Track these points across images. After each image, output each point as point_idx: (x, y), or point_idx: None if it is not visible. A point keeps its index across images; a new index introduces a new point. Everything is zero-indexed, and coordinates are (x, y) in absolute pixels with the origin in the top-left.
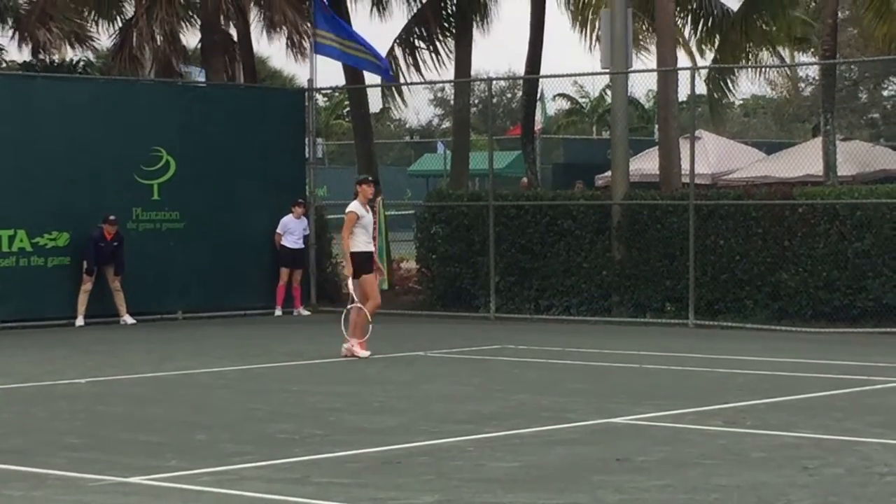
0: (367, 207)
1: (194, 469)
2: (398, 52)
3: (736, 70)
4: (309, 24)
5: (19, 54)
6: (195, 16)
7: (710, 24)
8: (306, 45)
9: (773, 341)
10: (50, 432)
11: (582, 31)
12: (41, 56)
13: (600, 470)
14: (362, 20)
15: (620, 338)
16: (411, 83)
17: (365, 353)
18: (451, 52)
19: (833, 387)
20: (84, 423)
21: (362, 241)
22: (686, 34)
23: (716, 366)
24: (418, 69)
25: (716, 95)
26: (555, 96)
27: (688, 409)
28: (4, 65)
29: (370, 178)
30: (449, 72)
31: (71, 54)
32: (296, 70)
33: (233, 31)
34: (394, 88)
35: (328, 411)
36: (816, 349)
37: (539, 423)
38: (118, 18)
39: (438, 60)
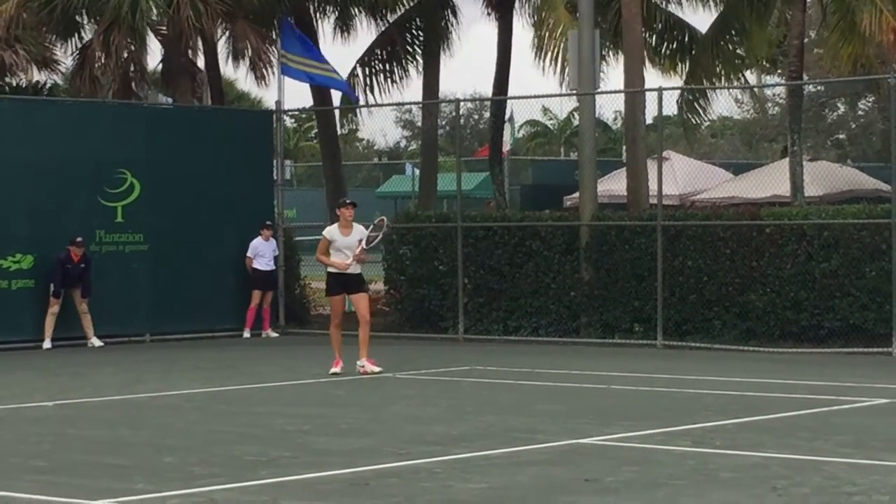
0: (350, 229)
1: (162, 491)
2: (359, 71)
3: (708, 91)
4: (274, 50)
5: None
6: (158, 38)
7: (674, 46)
8: (268, 71)
9: (741, 361)
10: (16, 455)
11: (541, 56)
12: (7, 78)
13: (569, 490)
14: (326, 42)
15: (589, 358)
16: (379, 104)
17: (335, 370)
18: (418, 72)
19: (801, 407)
20: (51, 446)
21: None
22: (653, 55)
23: (684, 386)
24: (373, 90)
25: (690, 116)
26: (522, 125)
27: (656, 429)
28: None
29: (348, 201)
30: (413, 93)
31: (38, 76)
32: (263, 92)
33: (200, 54)
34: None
35: (296, 433)
36: (784, 369)
37: (508, 444)
38: (76, 38)
39: (402, 81)
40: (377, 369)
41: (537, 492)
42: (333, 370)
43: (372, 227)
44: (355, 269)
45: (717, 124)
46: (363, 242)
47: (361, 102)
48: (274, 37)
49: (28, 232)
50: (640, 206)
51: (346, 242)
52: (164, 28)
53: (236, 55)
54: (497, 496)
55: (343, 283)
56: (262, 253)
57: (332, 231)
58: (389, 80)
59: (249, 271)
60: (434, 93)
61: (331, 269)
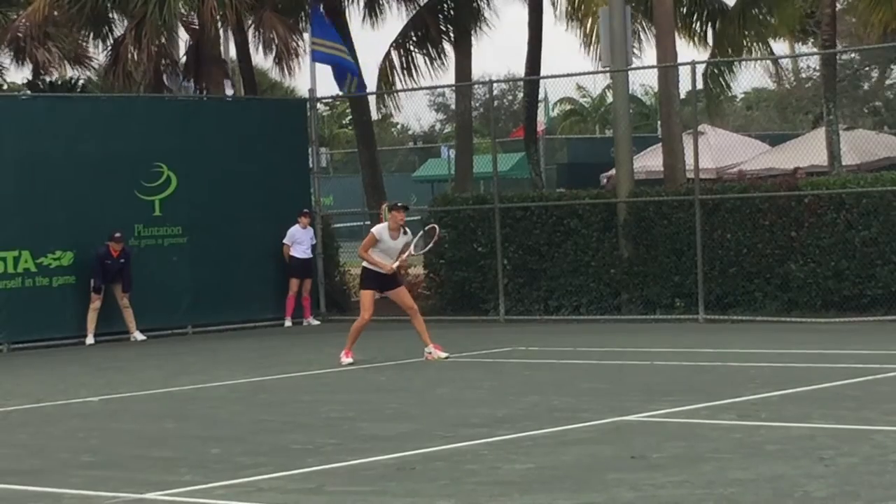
0: (399, 232)
1: (209, 483)
2: (394, 56)
3: (735, 63)
4: (301, 40)
5: (18, 74)
6: (188, 32)
7: (704, 17)
8: (295, 61)
9: (784, 333)
10: (64, 451)
11: (580, 33)
12: (42, 75)
13: (615, 468)
14: (355, 28)
15: (631, 335)
16: (412, 89)
17: (348, 360)
18: (446, 56)
19: (846, 376)
20: (98, 440)
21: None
22: (684, 28)
23: (727, 360)
24: (411, 74)
25: (714, 90)
26: (556, 103)
27: (701, 403)
28: (5, 86)
29: (400, 204)
30: (447, 76)
31: (70, 73)
32: (296, 81)
33: (232, 45)
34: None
35: (341, 420)
36: (827, 339)
37: (552, 423)
38: (107, 34)
39: (436, 64)
40: (444, 355)
41: (584, 470)
42: (345, 360)
43: (422, 233)
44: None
45: (751, 96)
46: (411, 248)
47: (398, 87)
48: (302, 26)
49: (67, 229)
50: (677, 180)
51: (391, 245)
52: (195, 23)
53: (266, 45)
54: (544, 476)
55: (379, 282)
56: (300, 240)
57: (381, 231)
58: (426, 62)
59: (287, 259)
60: (467, 75)
61: (368, 266)
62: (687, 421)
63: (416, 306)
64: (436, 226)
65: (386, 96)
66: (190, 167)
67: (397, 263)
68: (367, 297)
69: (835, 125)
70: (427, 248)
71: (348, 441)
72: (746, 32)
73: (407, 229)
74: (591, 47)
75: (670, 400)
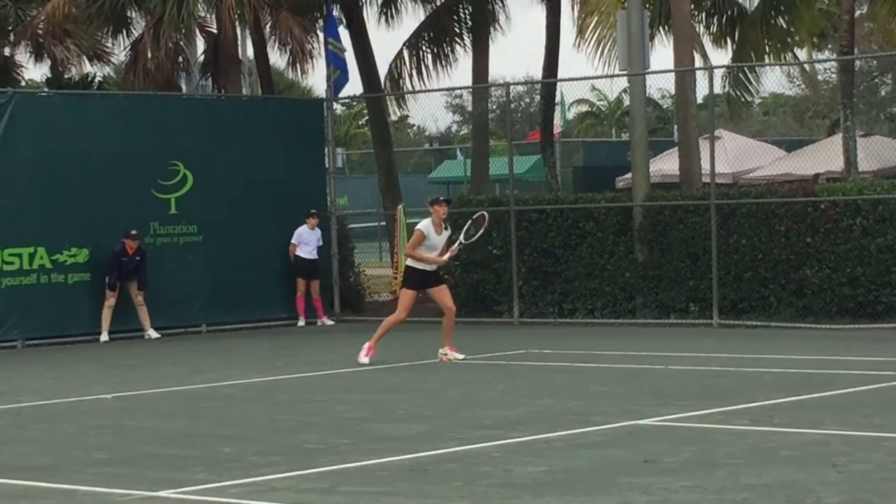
0: (442, 227)
1: (222, 481)
2: (406, 55)
3: (757, 68)
4: (317, 40)
5: (37, 71)
6: (202, 34)
7: (724, 22)
8: (310, 62)
9: (798, 339)
10: (77, 448)
11: (582, 37)
12: (61, 70)
13: (628, 472)
14: (370, 28)
15: (645, 339)
16: (429, 90)
17: (365, 360)
18: (466, 53)
19: (859, 383)
20: (111, 438)
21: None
22: (700, 33)
23: (741, 365)
24: (423, 74)
25: (737, 94)
26: (571, 104)
27: (714, 408)
28: (24, 83)
29: (442, 198)
30: (464, 77)
31: (89, 69)
32: (313, 80)
33: (250, 45)
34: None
35: (355, 420)
36: (842, 346)
37: (565, 426)
38: (128, 32)
39: (448, 65)
40: (460, 356)
41: (597, 474)
42: (363, 360)
43: (471, 222)
44: (434, 265)
45: (768, 101)
46: (462, 237)
47: (409, 88)
48: (318, 26)
49: (83, 226)
50: (693, 185)
51: (437, 241)
52: (210, 25)
53: (281, 46)
54: (556, 479)
55: (424, 280)
56: (307, 241)
57: (427, 227)
58: (438, 63)
59: (292, 258)
60: (484, 76)
61: (415, 265)
62: (700, 426)
63: (455, 308)
64: (484, 213)
65: (398, 97)
66: (206, 166)
67: (448, 255)
68: (408, 297)
69: (852, 131)
70: (478, 234)
71: (361, 441)
72: (769, 40)
73: (447, 224)
74: (599, 53)
75: (684, 404)
